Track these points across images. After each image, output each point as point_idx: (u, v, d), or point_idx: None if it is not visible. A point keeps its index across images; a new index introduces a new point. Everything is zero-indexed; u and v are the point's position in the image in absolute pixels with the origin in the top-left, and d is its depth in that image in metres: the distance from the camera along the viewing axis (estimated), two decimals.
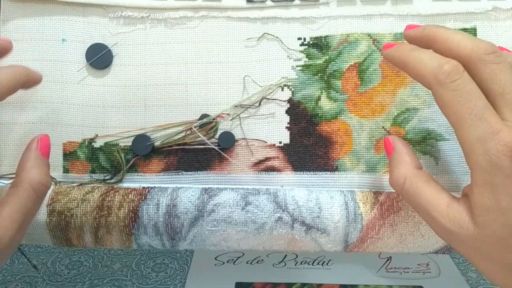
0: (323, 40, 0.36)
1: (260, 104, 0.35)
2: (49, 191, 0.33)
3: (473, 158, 0.24)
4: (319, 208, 0.32)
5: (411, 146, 0.34)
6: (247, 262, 0.46)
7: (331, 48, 0.35)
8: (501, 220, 0.23)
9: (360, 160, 0.35)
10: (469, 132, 0.24)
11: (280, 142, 0.35)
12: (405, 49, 0.27)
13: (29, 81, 0.30)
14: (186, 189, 0.33)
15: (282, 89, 0.36)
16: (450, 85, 0.24)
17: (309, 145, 0.35)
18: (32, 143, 0.29)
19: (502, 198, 0.23)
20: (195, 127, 0.35)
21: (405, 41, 0.29)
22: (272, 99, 0.35)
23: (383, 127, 0.35)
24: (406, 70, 0.27)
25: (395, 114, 0.35)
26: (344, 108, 0.35)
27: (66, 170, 0.35)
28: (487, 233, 0.24)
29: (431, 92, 0.25)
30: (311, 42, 0.36)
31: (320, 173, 0.35)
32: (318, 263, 0.46)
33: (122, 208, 0.32)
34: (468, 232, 0.24)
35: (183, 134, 0.35)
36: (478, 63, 0.24)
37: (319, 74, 0.35)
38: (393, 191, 0.33)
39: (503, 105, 0.24)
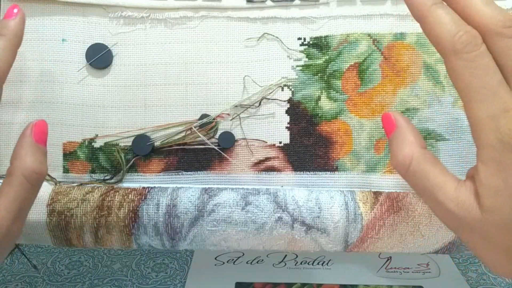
0: (323, 40, 0.36)
1: (260, 104, 0.35)
2: (49, 191, 0.33)
3: (482, 135, 0.23)
4: (319, 208, 0.32)
5: None
6: (247, 262, 0.46)
7: (331, 48, 0.35)
8: (510, 203, 0.22)
9: (360, 160, 0.35)
10: (480, 107, 0.23)
11: (280, 142, 0.35)
12: (428, 1, 0.25)
13: (23, 32, 0.29)
14: (186, 189, 0.33)
15: (282, 89, 0.36)
16: (466, 56, 0.23)
17: (309, 145, 0.35)
18: (26, 130, 0.28)
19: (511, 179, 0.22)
20: (195, 127, 0.35)
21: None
22: (272, 99, 0.35)
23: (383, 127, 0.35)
24: (422, 25, 0.25)
25: None
26: (344, 108, 0.35)
27: (66, 170, 0.35)
28: (495, 217, 0.23)
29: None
30: (311, 42, 0.36)
31: (320, 173, 0.35)
32: (318, 263, 0.46)
33: (122, 208, 0.32)
34: (475, 216, 0.23)
35: (183, 134, 0.35)
36: (494, 35, 0.23)
37: (319, 74, 0.35)
38: (393, 191, 0.33)
39: None
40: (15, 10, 0.29)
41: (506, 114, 0.22)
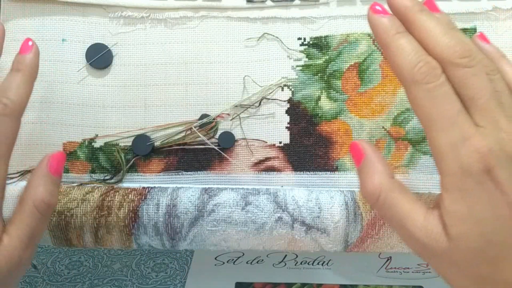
0: (323, 40, 0.36)
1: (260, 104, 0.35)
2: None
3: (443, 163, 0.23)
4: (319, 208, 0.32)
5: (411, 146, 0.34)
6: (247, 262, 0.46)
7: (331, 48, 0.35)
8: (476, 231, 0.22)
9: None
10: (440, 136, 0.23)
11: (280, 142, 0.35)
12: (391, 29, 0.24)
13: (38, 65, 0.30)
14: (186, 189, 0.33)
15: (282, 89, 0.36)
16: (425, 86, 0.23)
17: (309, 145, 0.35)
18: (43, 160, 0.29)
19: (475, 207, 0.22)
20: (195, 127, 0.35)
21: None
22: (272, 99, 0.35)
23: (383, 127, 0.35)
24: (385, 53, 0.25)
25: (395, 114, 0.35)
26: (344, 108, 0.35)
27: (66, 170, 0.35)
28: (461, 245, 0.23)
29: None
30: (311, 42, 0.36)
31: (320, 173, 0.35)
32: (318, 263, 0.46)
33: (122, 208, 0.32)
34: (443, 245, 0.23)
35: (183, 134, 0.35)
36: (450, 65, 0.23)
37: (319, 74, 0.35)
38: None
39: (475, 110, 0.23)
40: (30, 43, 0.30)
41: (466, 143, 0.22)
